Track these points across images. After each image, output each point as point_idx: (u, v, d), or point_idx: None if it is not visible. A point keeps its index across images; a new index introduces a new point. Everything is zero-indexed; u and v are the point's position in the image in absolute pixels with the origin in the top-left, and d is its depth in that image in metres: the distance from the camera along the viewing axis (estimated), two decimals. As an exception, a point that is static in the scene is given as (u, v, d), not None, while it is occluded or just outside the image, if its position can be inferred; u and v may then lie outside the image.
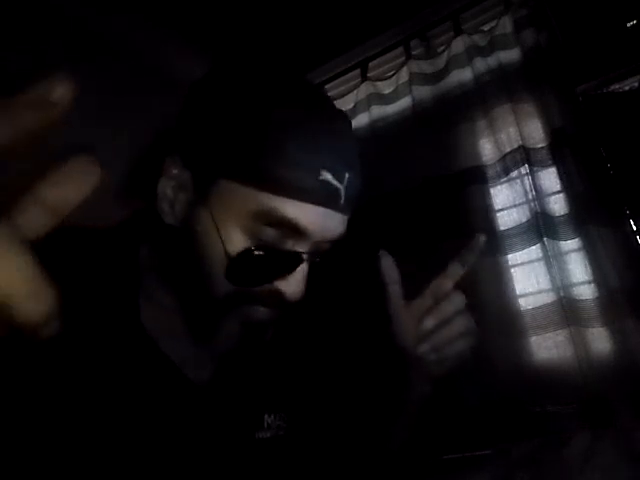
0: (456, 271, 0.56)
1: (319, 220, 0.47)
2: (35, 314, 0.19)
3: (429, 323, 0.54)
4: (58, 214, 0.20)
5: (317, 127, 0.47)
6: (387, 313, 0.57)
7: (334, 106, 0.53)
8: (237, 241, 0.46)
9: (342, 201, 0.48)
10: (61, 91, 0.19)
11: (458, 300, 0.55)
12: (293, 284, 0.48)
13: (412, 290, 0.58)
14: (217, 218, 0.46)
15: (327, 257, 0.52)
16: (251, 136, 0.45)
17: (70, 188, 0.20)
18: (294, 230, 0.46)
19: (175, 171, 0.49)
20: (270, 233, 0.46)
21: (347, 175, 0.48)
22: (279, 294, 0.48)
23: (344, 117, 0.53)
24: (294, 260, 0.48)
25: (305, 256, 0.48)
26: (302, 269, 0.48)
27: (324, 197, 0.46)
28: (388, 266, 0.57)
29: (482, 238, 0.57)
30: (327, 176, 0.46)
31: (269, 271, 0.47)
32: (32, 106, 0.19)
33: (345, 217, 0.50)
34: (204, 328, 0.51)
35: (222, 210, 0.46)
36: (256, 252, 0.45)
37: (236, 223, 0.46)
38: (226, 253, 0.45)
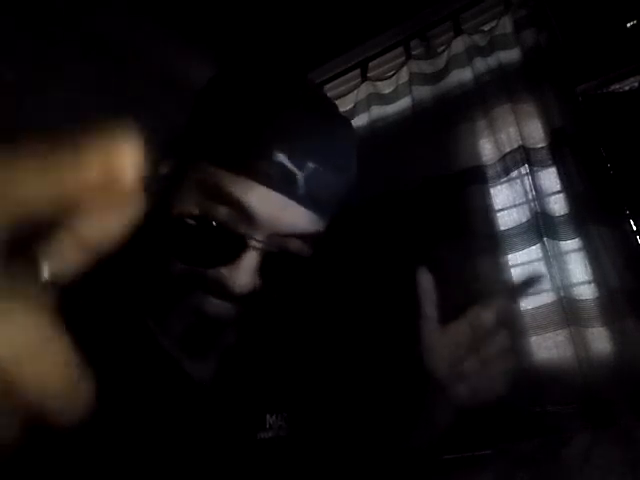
0: (499, 306, 0.53)
1: (270, 205, 0.44)
2: (72, 415, 0.16)
3: (470, 362, 0.52)
4: (96, 251, 0.17)
5: (292, 114, 0.46)
6: (418, 331, 0.55)
7: (336, 110, 0.52)
8: (187, 212, 0.45)
9: (300, 190, 0.45)
10: (131, 146, 0.16)
11: (504, 341, 0.53)
12: (239, 273, 0.45)
13: (413, 291, 0.57)
14: (182, 196, 0.47)
15: (329, 259, 0.51)
16: (220, 116, 0.46)
17: (111, 223, 0.17)
18: (242, 212, 0.44)
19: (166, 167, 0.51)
20: (222, 212, 0.45)
21: (310, 165, 0.45)
22: (225, 282, 0.45)
23: (344, 121, 0.52)
24: (238, 243, 0.45)
25: (254, 243, 0.45)
26: (250, 259, 0.45)
27: (276, 180, 0.44)
28: (427, 286, 0.55)
29: (533, 280, 0.55)
30: (282, 159, 0.44)
31: (212, 251, 0.45)
32: (94, 166, 0.16)
33: (308, 212, 0.47)
34: (163, 309, 0.50)
35: (188, 188, 0.47)
36: (189, 221, 0.45)
37: (193, 199, 0.46)
38: (172, 227, 0.45)
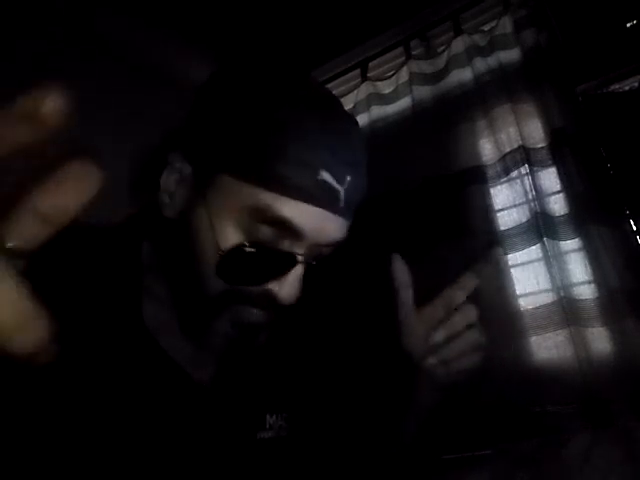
0: (469, 282, 0.55)
1: (315, 221, 0.46)
2: (28, 346, 0.18)
3: (439, 336, 0.53)
4: (55, 222, 0.19)
5: (319, 126, 0.46)
6: (396, 318, 0.56)
7: (341, 107, 0.52)
8: (231, 237, 0.45)
9: (341, 204, 0.46)
10: (53, 103, 0.18)
11: (470, 313, 0.54)
12: (287, 287, 0.47)
13: (419, 292, 0.58)
14: (213, 214, 0.46)
15: (330, 258, 0.51)
16: (253, 133, 0.45)
17: (68, 195, 0.19)
18: (289, 230, 0.45)
19: (178, 164, 0.49)
20: (265, 232, 0.45)
21: (348, 178, 0.46)
22: (272, 296, 0.47)
23: (351, 119, 0.52)
24: (288, 261, 0.46)
25: (300, 258, 0.46)
26: (297, 272, 0.47)
27: (322, 198, 0.45)
28: (400, 270, 0.56)
29: (500, 250, 0.56)
30: (326, 176, 0.45)
31: (262, 271, 0.46)
32: (23, 119, 0.18)
33: (345, 222, 0.49)
34: (195, 327, 0.51)
35: (219, 206, 0.46)
36: (247, 249, 0.45)
37: (231, 219, 0.45)
38: (218, 249, 0.45)
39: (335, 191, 0.46)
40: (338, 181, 0.46)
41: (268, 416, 0.56)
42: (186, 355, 0.51)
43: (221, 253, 0.45)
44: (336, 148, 0.46)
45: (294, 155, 0.44)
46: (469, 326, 0.54)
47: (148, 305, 0.50)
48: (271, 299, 0.47)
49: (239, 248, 0.45)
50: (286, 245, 0.46)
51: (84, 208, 0.19)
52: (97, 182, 0.19)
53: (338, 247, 0.50)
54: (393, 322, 0.57)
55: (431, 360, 0.54)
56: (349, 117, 0.52)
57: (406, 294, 0.56)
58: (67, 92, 0.18)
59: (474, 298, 0.55)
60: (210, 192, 0.47)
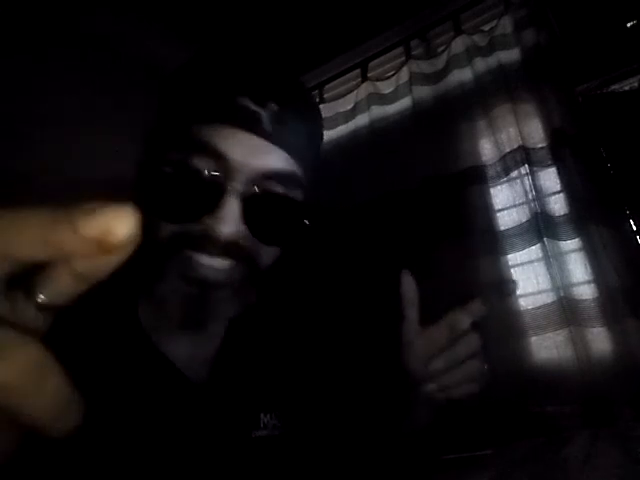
0: (477, 309, 0.54)
1: (239, 144, 0.46)
2: (62, 431, 0.19)
3: (440, 363, 0.53)
4: (89, 282, 0.19)
5: (251, 65, 0.50)
6: (399, 332, 0.56)
7: (301, 83, 0.56)
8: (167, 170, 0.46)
9: (266, 127, 0.46)
10: (123, 233, 0.17)
11: (474, 342, 0.54)
12: (223, 221, 0.45)
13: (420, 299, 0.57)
14: (164, 160, 0.47)
15: (328, 254, 0.51)
16: (198, 81, 0.48)
17: (104, 256, 0.18)
18: (217, 156, 0.45)
19: (168, 157, 0.50)
20: (196, 162, 0.45)
21: (272, 104, 0.47)
22: (210, 232, 0.45)
23: (300, 83, 0.55)
24: (216, 190, 0.45)
25: (231, 188, 0.45)
26: (232, 204, 0.45)
27: (241, 119, 0.46)
28: (408, 287, 0.56)
29: (513, 285, 0.56)
30: (244, 101, 0.46)
31: (193, 202, 0.45)
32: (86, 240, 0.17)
33: (278, 149, 0.48)
34: (154, 284, 0.49)
35: (164, 152, 0.48)
36: (166, 168, 0.45)
37: (171, 158, 0.47)
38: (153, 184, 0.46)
39: (255, 113, 0.46)
40: (258, 104, 0.47)
41: (262, 415, 0.56)
42: (182, 354, 0.51)
43: (152, 179, 0.46)
44: (262, 80, 0.49)
45: (217, 87, 0.47)
46: (472, 355, 0.53)
47: (144, 305, 0.51)
48: (210, 237, 0.46)
49: (157, 169, 0.46)
50: (220, 177, 0.46)
51: (118, 267, 0.19)
52: (133, 241, 0.18)
53: (295, 186, 0.50)
54: (395, 335, 0.56)
55: (430, 386, 0.54)
56: (303, 84, 0.56)
57: (412, 312, 0.55)
58: (136, 215, 0.18)
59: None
60: (165, 147, 0.49)
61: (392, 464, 0.61)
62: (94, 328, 0.46)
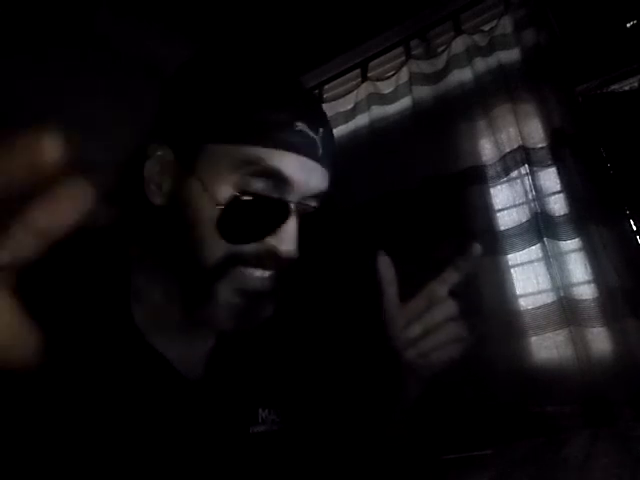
0: (451, 276, 0.57)
1: (301, 168, 0.49)
2: (18, 362, 0.19)
3: (416, 329, 0.55)
4: (49, 238, 0.19)
5: (288, 87, 0.52)
6: (382, 312, 0.58)
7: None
8: (226, 193, 0.47)
9: (319, 152, 0.51)
10: (52, 146, 0.18)
11: (450, 307, 0.56)
12: (285, 239, 0.48)
13: (413, 290, 0.58)
14: (206, 181, 0.48)
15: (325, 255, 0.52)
16: (230, 100, 0.48)
17: (62, 211, 0.19)
18: (279, 179, 0.48)
19: (158, 153, 0.51)
20: (258, 184, 0.48)
21: (321, 129, 0.51)
22: (272, 251, 0.48)
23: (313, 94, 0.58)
24: (282, 209, 0.49)
25: (293, 207, 0.49)
26: (292, 223, 0.49)
27: (301, 145, 0.49)
28: (384, 266, 0.57)
29: (478, 246, 0.58)
30: (302, 126, 0.49)
31: (259, 223, 0.48)
32: (20, 157, 0.18)
33: (325, 171, 0.52)
34: (200, 304, 0.50)
35: (210, 172, 0.48)
36: (244, 198, 0.47)
37: (225, 180, 0.47)
38: (216, 204, 0.47)
39: (312, 139, 0.50)
40: (312, 130, 0.50)
41: (260, 410, 0.57)
42: (177, 352, 0.51)
43: (220, 206, 0.46)
44: (305, 104, 0.52)
45: (270, 111, 0.48)
46: (450, 319, 0.55)
47: (138, 308, 0.51)
48: (272, 255, 0.48)
49: (236, 198, 0.47)
50: (277, 196, 0.49)
51: (77, 223, 0.20)
52: (91, 198, 0.19)
53: (323, 200, 0.53)
54: (379, 317, 0.58)
55: (410, 352, 0.55)
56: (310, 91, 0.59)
57: (391, 290, 0.57)
58: (66, 129, 0.18)
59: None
60: (198, 163, 0.49)
61: (390, 460, 0.61)
62: (88, 329, 0.46)
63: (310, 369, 0.64)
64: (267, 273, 0.50)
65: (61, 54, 1.15)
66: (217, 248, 0.47)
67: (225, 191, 0.47)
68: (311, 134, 0.50)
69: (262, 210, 0.48)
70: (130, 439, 0.45)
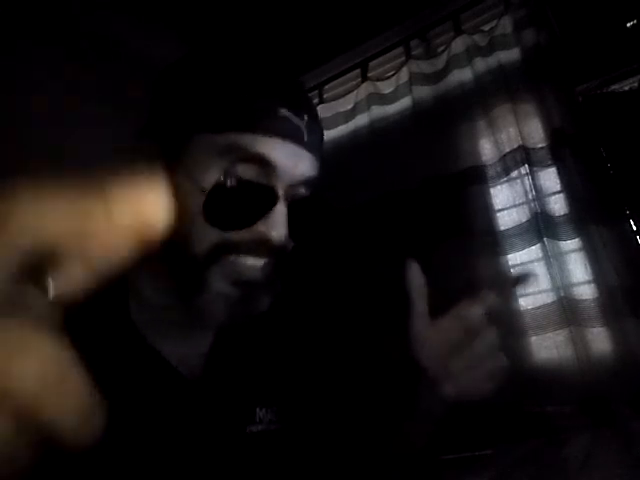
0: (488, 299, 0.52)
1: (286, 154, 0.49)
2: (83, 436, 0.16)
3: (459, 363, 0.52)
4: (102, 273, 0.18)
5: (273, 76, 0.52)
6: (408, 324, 0.54)
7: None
8: (212, 178, 0.47)
9: (305, 138, 0.50)
10: (160, 219, 0.17)
11: (492, 338, 0.52)
12: (275, 225, 0.48)
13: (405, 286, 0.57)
14: (191, 168, 0.48)
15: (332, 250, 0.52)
16: (213, 86, 0.49)
17: (118, 246, 0.18)
18: (264, 164, 0.48)
19: (144, 151, 0.51)
20: (243, 171, 0.48)
21: (305, 116, 0.51)
22: (263, 238, 0.48)
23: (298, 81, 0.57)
24: (269, 195, 0.48)
25: (281, 192, 0.49)
26: (281, 208, 0.49)
27: (287, 132, 0.49)
28: (416, 278, 0.54)
29: (528, 277, 0.56)
30: (286, 113, 0.49)
31: (247, 209, 0.48)
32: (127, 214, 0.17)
33: (312, 156, 0.52)
34: (194, 293, 0.49)
35: (196, 160, 0.48)
36: (229, 183, 0.47)
37: (210, 167, 0.47)
38: (201, 190, 0.46)
39: (296, 125, 0.50)
40: (297, 116, 0.50)
41: (258, 409, 0.56)
42: (177, 352, 0.51)
43: (204, 191, 0.46)
44: (289, 91, 0.51)
45: (254, 98, 0.48)
46: (490, 353, 0.52)
47: (137, 308, 0.51)
48: (263, 242, 0.48)
49: (221, 184, 0.47)
50: (265, 182, 0.49)
51: (130, 261, 0.18)
52: (148, 235, 0.18)
53: (312, 187, 0.53)
54: (403, 327, 0.55)
55: (448, 386, 0.52)
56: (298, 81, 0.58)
57: (421, 303, 0.54)
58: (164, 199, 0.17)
59: (496, 320, 0.52)
60: (184, 155, 0.49)
61: (390, 461, 0.61)
62: (87, 328, 0.46)
63: (308, 368, 0.64)
64: (260, 262, 0.49)
65: (61, 54, 1.15)
66: (206, 236, 0.47)
67: (211, 177, 0.47)
68: (296, 120, 0.50)
69: (249, 195, 0.48)
70: (128, 438, 0.45)
